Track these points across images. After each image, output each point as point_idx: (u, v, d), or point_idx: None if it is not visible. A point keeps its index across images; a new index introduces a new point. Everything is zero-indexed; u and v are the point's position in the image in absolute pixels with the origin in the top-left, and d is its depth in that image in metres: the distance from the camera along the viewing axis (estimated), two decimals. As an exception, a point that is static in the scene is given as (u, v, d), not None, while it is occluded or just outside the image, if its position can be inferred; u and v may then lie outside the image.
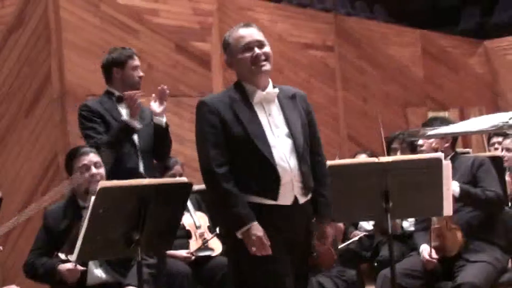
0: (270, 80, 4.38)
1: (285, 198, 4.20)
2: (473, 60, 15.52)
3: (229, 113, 4.22)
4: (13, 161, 8.60)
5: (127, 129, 5.78)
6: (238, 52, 4.32)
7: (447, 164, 4.91)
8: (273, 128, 4.26)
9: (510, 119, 5.15)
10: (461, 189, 5.90)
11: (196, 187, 6.82)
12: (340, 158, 8.90)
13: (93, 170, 5.25)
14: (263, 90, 4.32)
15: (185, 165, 7.96)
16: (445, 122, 6.21)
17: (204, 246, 7.05)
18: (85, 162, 5.28)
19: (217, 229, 6.91)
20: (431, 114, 13.15)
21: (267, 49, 4.31)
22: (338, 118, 12.12)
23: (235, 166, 4.16)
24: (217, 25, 10.53)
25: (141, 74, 6.01)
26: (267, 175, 4.15)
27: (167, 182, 4.65)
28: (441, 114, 13.40)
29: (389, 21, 15.75)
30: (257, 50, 4.27)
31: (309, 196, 4.36)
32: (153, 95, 6.17)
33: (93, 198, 4.26)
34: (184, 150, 9.16)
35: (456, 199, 5.76)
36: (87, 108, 5.86)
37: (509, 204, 6.74)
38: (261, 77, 4.30)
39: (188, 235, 7.09)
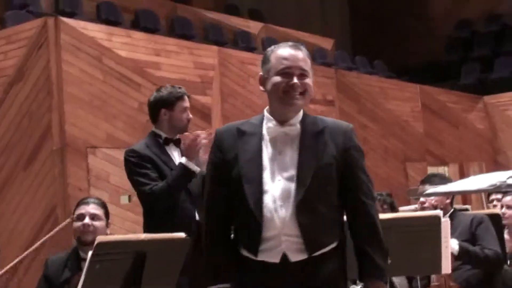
0: (302, 113, 3.67)
1: (269, 254, 3.54)
2: (473, 115, 15.58)
3: (232, 149, 3.66)
4: (12, 213, 8.58)
5: (187, 174, 5.24)
6: (274, 74, 3.66)
7: (445, 222, 4.89)
8: (276, 171, 3.57)
9: (508, 178, 5.14)
10: (460, 247, 5.88)
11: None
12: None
13: (86, 220, 5.25)
14: (283, 124, 3.63)
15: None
16: (445, 180, 6.21)
17: None
18: (82, 211, 5.29)
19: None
20: (430, 169, 13.15)
21: (308, 81, 3.61)
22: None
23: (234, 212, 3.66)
24: (218, 78, 10.60)
25: (190, 116, 5.50)
26: (250, 226, 3.54)
27: (166, 237, 4.61)
28: (441, 169, 13.42)
29: (389, 76, 15.86)
30: (295, 79, 3.59)
31: (319, 252, 3.54)
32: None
33: (90, 252, 4.23)
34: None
35: (455, 257, 5.74)
36: (136, 153, 5.34)
37: (508, 262, 6.71)
38: (289, 109, 3.63)
39: None
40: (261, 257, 3.53)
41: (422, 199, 6.24)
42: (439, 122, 14.47)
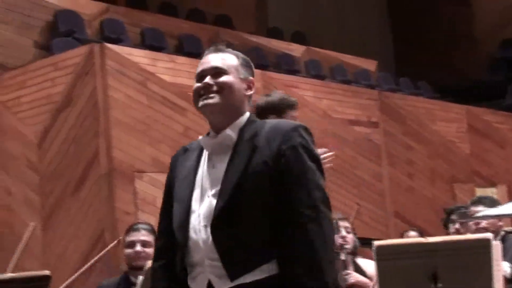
0: (243, 119, 3.15)
1: (197, 281, 3.07)
2: (520, 135, 15.41)
3: (175, 167, 3.28)
4: (61, 238, 8.66)
5: None
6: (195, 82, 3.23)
7: (496, 245, 4.84)
8: (205, 187, 3.10)
9: None
10: (512, 270, 5.81)
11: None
12: (385, 237, 8.83)
13: (138, 248, 5.27)
14: (218, 133, 3.13)
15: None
16: (494, 203, 6.14)
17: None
18: (133, 238, 5.31)
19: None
20: (478, 190, 13.01)
21: (225, 78, 3.12)
22: (384, 194, 12.04)
23: None
24: (262, 102, 10.60)
25: None
26: (180, 250, 3.11)
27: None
28: (489, 190, 13.26)
29: (434, 97, 15.76)
30: (206, 79, 3.12)
31: (248, 279, 2.96)
32: None
33: (141, 277, 4.25)
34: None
35: (507, 281, 5.67)
36: None
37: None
38: (208, 113, 3.13)
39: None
40: (191, 285, 3.10)
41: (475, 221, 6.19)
42: (485, 143, 14.32)
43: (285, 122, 3.17)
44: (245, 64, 3.23)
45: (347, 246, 5.85)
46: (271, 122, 3.17)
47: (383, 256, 4.65)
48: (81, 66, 8.83)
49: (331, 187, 10.89)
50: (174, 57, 10.08)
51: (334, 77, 14.55)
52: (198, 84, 3.13)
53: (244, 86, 3.18)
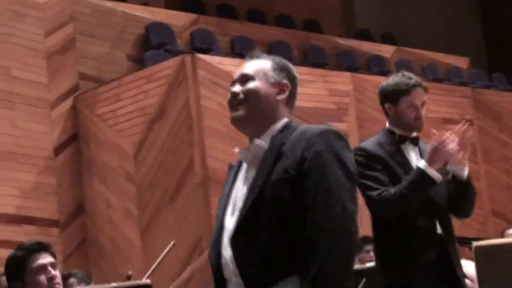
0: (277, 127, 2.95)
1: None
2: None
3: (224, 186, 3.14)
4: (160, 248, 8.78)
5: (425, 180, 4.35)
6: None
7: None
8: (237, 201, 2.93)
9: None
10: None
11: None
12: (484, 235, 8.67)
13: None
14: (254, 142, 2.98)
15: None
16: None
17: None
18: None
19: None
20: None
21: (250, 84, 2.95)
22: (481, 192, 11.82)
23: None
24: (354, 104, 10.58)
25: (421, 113, 4.56)
26: (214, 268, 2.96)
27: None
28: None
29: (529, 92, 15.38)
30: (233, 88, 2.98)
31: None
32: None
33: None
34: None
35: None
36: (365, 152, 4.50)
37: None
38: (236, 125, 3.02)
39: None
40: None
41: None
42: None
43: (313, 127, 2.88)
44: (278, 68, 3.01)
45: None
46: (302, 127, 2.89)
47: (483, 257, 4.55)
48: (173, 77, 8.98)
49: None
50: (265, 64, 10.13)
51: (426, 76, 14.37)
52: (231, 90, 3.00)
53: (275, 90, 2.96)
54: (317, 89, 10.29)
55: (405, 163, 4.48)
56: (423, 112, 4.57)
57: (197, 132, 8.61)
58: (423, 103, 4.56)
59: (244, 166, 3.00)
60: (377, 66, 14.22)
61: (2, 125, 9.48)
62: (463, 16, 20.05)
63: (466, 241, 5.78)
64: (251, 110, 2.92)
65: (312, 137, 2.80)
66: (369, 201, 4.36)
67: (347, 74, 11.03)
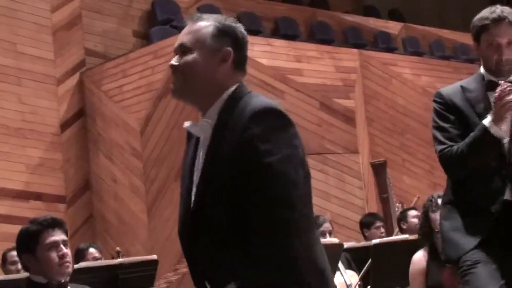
0: (224, 98, 2.72)
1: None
2: None
3: (185, 155, 2.90)
4: (166, 222, 8.83)
5: (488, 140, 3.70)
6: None
7: None
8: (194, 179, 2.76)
9: None
10: None
11: (346, 245, 6.80)
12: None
13: None
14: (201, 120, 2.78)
15: (332, 222, 7.95)
16: None
17: (355, 305, 6.98)
18: None
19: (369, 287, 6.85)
20: None
21: (187, 57, 2.72)
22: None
23: None
24: (360, 81, 10.56)
25: (505, 56, 3.80)
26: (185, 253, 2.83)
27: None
28: None
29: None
30: (172, 61, 2.77)
31: None
32: None
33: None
34: (330, 207, 9.16)
35: None
36: (441, 99, 3.91)
37: None
38: (182, 101, 2.90)
39: (338, 294, 7.05)
40: None
41: None
42: None
43: (251, 104, 2.64)
44: (219, 34, 2.74)
45: None
46: (244, 102, 2.68)
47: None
48: (180, 53, 8.95)
49: (433, 164, 10.75)
50: (271, 40, 10.12)
51: (433, 53, 14.32)
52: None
53: (216, 60, 2.71)
54: (323, 65, 10.27)
55: (485, 114, 3.74)
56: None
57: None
58: (509, 42, 3.82)
59: (201, 139, 2.76)
60: (384, 42, 14.17)
61: (9, 101, 9.49)
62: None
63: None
64: (188, 85, 2.71)
65: (245, 123, 2.58)
66: (437, 157, 3.86)
67: (354, 50, 11.00)
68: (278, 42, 10.06)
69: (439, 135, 3.85)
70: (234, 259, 2.54)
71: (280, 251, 2.49)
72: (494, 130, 3.65)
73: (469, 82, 3.93)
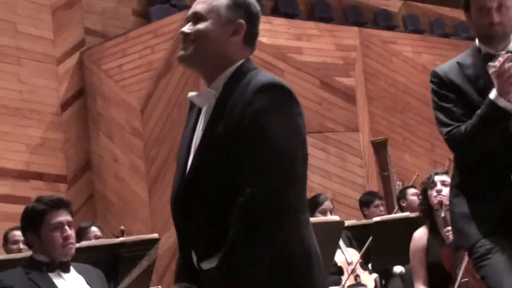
0: (231, 71, 2.71)
1: (192, 259, 2.72)
2: None
3: (186, 124, 2.88)
4: (166, 202, 8.83)
5: (496, 114, 3.43)
6: None
7: None
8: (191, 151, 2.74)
9: None
10: None
11: (347, 223, 6.81)
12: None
13: None
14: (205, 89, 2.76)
15: (333, 200, 7.96)
16: None
17: (357, 282, 7.01)
18: None
19: (369, 265, 6.87)
20: None
21: (200, 25, 2.70)
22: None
23: None
24: (361, 59, 10.54)
25: (495, 19, 3.53)
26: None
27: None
28: None
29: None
30: (184, 28, 2.75)
31: (205, 266, 2.64)
32: None
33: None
34: (331, 185, 9.16)
35: None
36: (437, 78, 3.67)
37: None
38: (187, 68, 2.88)
39: (340, 271, 7.06)
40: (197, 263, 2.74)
41: None
42: None
43: (256, 79, 2.64)
44: (233, 5, 2.72)
45: (446, 202, 5.56)
46: (249, 76, 2.67)
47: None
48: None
49: (434, 142, 10.75)
50: (271, 18, 10.09)
51: (433, 31, 14.28)
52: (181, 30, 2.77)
53: (228, 31, 2.70)
54: (324, 43, 10.24)
55: (488, 90, 3.46)
56: (504, 15, 3.56)
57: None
58: (500, 6, 3.56)
59: (204, 109, 2.75)
60: (384, 20, 14.13)
61: (9, 81, 9.47)
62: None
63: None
64: (197, 52, 2.69)
65: (250, 95, 2.57)
66: (444, 140, 3.60)
67: (354, 28, 10.98)
68: (278, 21, 10.03)
69: (442, 117, 3.58)
70: (222, 233, 2.51)
71: (270, 230, 2.47)
72: (503, 104, 3.40)
73: (464, 57, 3.67)
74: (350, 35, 10.60)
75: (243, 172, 2.51)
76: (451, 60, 3.73)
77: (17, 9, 9.72)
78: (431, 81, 3.71)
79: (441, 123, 3.57)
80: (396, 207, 7.87)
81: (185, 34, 2.71)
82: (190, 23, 2.72)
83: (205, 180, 2.59)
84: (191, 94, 2.77)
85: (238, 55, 2.73)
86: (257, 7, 2.80)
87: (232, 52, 2.71)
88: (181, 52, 2.72)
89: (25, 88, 9.56)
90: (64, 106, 9.85)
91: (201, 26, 2.69)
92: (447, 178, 5.43)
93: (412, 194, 7.32)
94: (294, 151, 2.55)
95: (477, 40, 3.65)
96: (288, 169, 2.52)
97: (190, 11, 2.75)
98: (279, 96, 2.59)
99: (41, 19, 9.93)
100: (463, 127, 3.48)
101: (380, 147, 9.58)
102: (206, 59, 2.70)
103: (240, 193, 2.49)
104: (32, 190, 8.86)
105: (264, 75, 2.66)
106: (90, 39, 10.37)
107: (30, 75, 9.62)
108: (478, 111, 3.45)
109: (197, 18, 2.71)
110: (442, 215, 5.43)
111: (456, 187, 3.68)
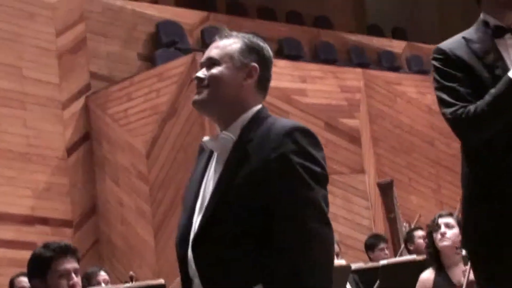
0: (248, 115, 2.72)
1: None
2: None
3: (195, 169, 2.90)
4: (172, 246, 8.79)
5: None
6: None
7: None
8: (206, 196, 2.72)
9: None
10: None
11: (354, 266, 6.78)
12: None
13: None
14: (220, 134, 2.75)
15: (340, 243, 7.93)
16: None
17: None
18: None
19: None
20: None
21: (215, 70, 2.73)
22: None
23: None
24: (365, 100, 10.56)
25: None
26: (181, 264, 2.77)
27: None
28: None
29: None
30: (198, 73, 2.76)
31: None
32: None
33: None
34: (337, 227, 9.12)
35: None
36: (442, 54, 3.34)
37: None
38: (202, 114, 2.89)
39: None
40: None
41: None
42: None
43: (280, 124, 2.65)
44: (246, 49, 2.77)
45: (445, 243, 5.52)
46: (271, 121, 2.68)
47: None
48: (185, 75, 8.97)
49: (440, 183, 10.73)
50: (275, 61, 10.00)
51: (437, 71, 14.32)
52: (196, 75, 2.79)
53: (242, 75, 2.73)
54: (328, 85, 10.28)
55: (499, 66, 3.16)
56: None
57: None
58: None
59: (216, 154, 2.75)
60: (388, 61, 14.21)
61: (14, 126, 9.50)
62: (475, 8, 19.96)
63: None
64: (212, 97, 2.69)
65: (279, 138, 2.58)
66: (447, 122, 3.20)
67: (358, 70, 11.02)
68: (282, 63, 10.08)
69: (446, 96, 3.20)
70: (251, 264, 2.53)
71: (306, 257, 2.50)
72: None
73: (471, 32, 3.35)
74: (354, 76, 10.64)
75: (276, 211, 2.53)
76: (455, 36, 3.40)
77: (23, 54, 9.79)
78: (434, 58, 3.37)
79: (444, 104, 3.19)
80: (402, 246, 7.84)
81: (200, 79, 2.72)
82: (204, 68, 2.74)
83: (229, 218, 2.58)
84: (206, 138, 2.77)
85: (252, 100, 2.75)
86: (269, 51, 2.84)
87: (246, 96, 2.73)
88: (196, 97, 2.72)
89: (30, 133, 9.58)
90: (70, 150, 9.87)
91: (215, 70, 2.71)
92: (451, 220, 5.44)
93: (419, 237, 7.29)
94: (325, 190, 2.60)
95: (482, 14, 3.37)
96: (322, 208, 2.56)
97: (204, 57, 2.78)
98: (308, 139, 2.61)
99: (47, 64, 9.98)
100: (471, 107, 3.09)
101: (386, 189, 9.57)
102: (221, 103, 2.71)
103: (275, 225, 2.52)
104: (38, 235, 8.84)
105: (287, 120, 2.69)
106: (95, 83, 10.42)
107: (35, 120, 9.65)
108: (493, 90, 3.07)
109: (211, 63, 2.73)
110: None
111: (469, 197, 3.21)
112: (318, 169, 2.59)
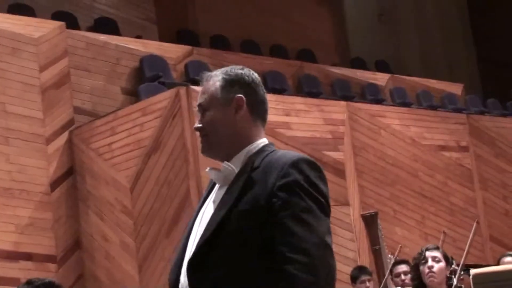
0: (249, 150, 2.77)
1: None
2: None
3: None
4: (157, 281, 8.76)
5: None
6: None
7: None
8: (202, 224, 2.73)
9: None
10: None
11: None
12: (483, 262, 8.64)
13: None
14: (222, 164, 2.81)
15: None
16: None
17: None
18: None
19: None
20: None
21: (206, 117, 2.81)
22: (479, 219, 11.81)
23: None
24: (349, 133, 10.59)
25: None
26: None
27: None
28: None
29: (524, 117, 15.40)
30: (196, 124, 2.85)
31: None
32: None
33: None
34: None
35: None
36: None
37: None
38: (213, 158, 2.88)
39: None
40: None
41: None
42: None
43: (287, 155, 2.70)
44: (228, 84, 2.84)
45: (433, 279, 5.52)
46: (276, 153, 2.73)
47: (480, 285, 4.54)
48: (168, 109, 8.98)
49: (424, 215, 10.75)
50: (259, 94, 10.14)
51: (421, 103, 14.41)
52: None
53: (231, 110, 2.79)
54: (312, 118, 10.30)
55: None
56: None
57: (193, 164, 8.60)
58: None
59: (217, 185, 2.82)
60: (372, 94, 14.27)
61: (-2, 161, 9.47)
62: (458, 41, 20.13)
63: (465, 269, 5.76)
64: (212, 143, 2.78)
65: (285, 167, 2.63)
66: None
67: (342, 103, 11.06)
68: (267, 96, 10.11)
69: None
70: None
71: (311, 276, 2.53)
72: None
73: None
74: (338, 109, 10.68)
75: (281, 238, 2.55)
76: None
77: (6, 89, 9.77)
78: None
79: None
80: (386, 275, 7.84)
81: (198, 129, 2.81)
82: (200, 116, 2.82)
83: (228, 244, 2.59)
84: (208, 169, 2.83)
85: (253, 129, 2.82)
86: (250, 74, 2.90)
87: (244, 128, 2.80)
88: (201, 148, 2.81)
89: (14, 168, 9.55)
90: (54, 185, 9.82)
91: (207, 117, 2.78)
92: (438, 254, 5.47)
93: (404, 272, 7.30)
94: (328, 221, 2.65)
95: None
96: (327, 238, 2.60)
97: (197, 106, 2.85)
98: (313, 173, 2.64)
99: (30, 99, 9.97)
100: None
101: (370, 221, 9.55)
102: (223, 145, 2.78)
103: (279, 254, 2.54)
104: (21, 271, 8.78)
105: (294, 152, 2.75)
106: (79, 118, 10.41)
107: (19, 155, 9.62)
108: None
109: (202, 110, 2.81)
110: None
111: None
112: (323, 200, 2.63)
